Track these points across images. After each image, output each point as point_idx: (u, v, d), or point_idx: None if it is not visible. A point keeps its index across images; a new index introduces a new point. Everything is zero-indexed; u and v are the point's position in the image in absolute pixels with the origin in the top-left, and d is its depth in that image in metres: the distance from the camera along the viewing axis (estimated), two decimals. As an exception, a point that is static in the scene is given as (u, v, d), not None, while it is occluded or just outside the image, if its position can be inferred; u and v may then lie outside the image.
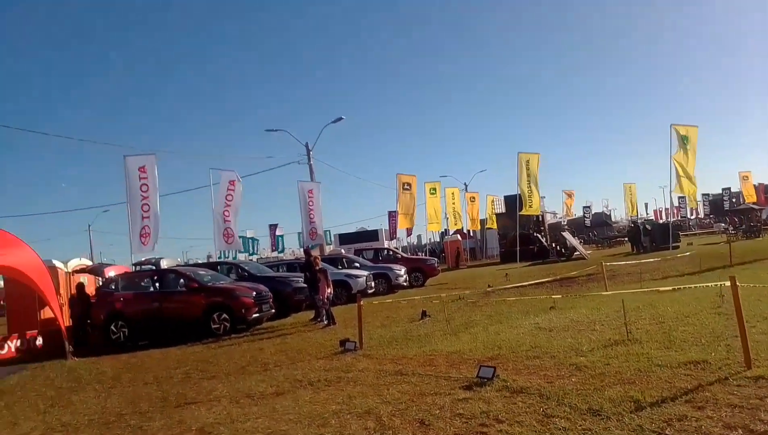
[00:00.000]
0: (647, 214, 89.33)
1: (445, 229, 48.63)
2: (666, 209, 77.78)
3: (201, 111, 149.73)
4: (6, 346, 13.13)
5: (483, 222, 47.29)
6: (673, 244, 29.82)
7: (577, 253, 33.04)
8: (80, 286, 15.12)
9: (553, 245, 36.73)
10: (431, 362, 7.52)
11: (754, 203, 48.02)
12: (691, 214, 65.57)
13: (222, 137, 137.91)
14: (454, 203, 42.00)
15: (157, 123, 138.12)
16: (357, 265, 21.74)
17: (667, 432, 4.18)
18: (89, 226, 54.07)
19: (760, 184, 57.05)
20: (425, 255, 40.39)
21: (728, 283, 5.88)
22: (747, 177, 47.84)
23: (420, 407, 5.41)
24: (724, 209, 56.94)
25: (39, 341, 13.45)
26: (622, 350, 6.96)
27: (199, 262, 35.59)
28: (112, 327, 14.09)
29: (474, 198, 45.25)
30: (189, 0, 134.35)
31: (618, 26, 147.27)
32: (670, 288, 11.34)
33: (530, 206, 27.63)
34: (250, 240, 55.50)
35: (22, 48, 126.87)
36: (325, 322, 13.14)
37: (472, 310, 12.92)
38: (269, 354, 9.83)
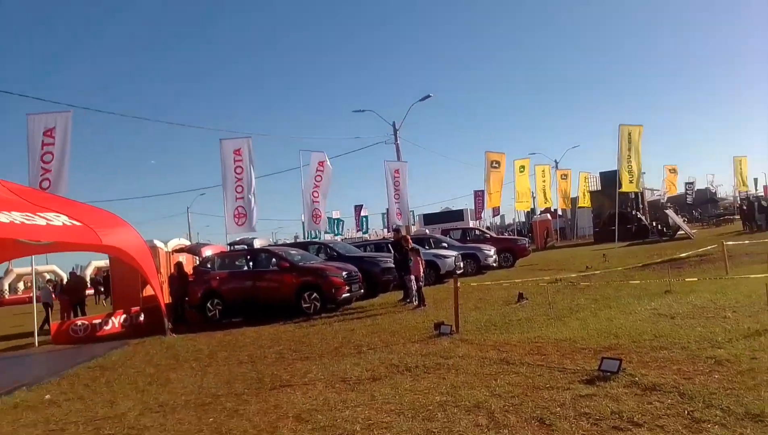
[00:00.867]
0: (756, 190, 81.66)
1: (532, 209, 46.80)
2: (778, 185, 70.50)
3: (292, 94, 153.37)
4: (111, 322, 13.83)
5: (574, 200, 45.03)
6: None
7: (681, 232, 30.59)
8: (179, 265, 15.65)
9: (654, 224, 34.31)
10: (539, 351, 6.84)
11: None
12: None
13: (312, 119, 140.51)
14: (544, 181, 40.18)
15: (250, 108, 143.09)
16: (444, 245, 21.15)
17: None
18: (188, 208, 56.94)
19: None
20: (513, 235, 39.05)
21: None
22: None
23: (536, 403, 4.80)
24: None
25: (141, 317, 14.09)
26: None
27: (288, 242, 36.41)
28: (208, 305, 14.47)
29: (566, 175, 43.11)
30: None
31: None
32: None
33: (630, 182, 25.73)
34: (336, 221, 56.21)
35: (120, 34, 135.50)
36: (415, 303, 12.74)
37: (573, 293, 12.00)
38: (361, 335, 9.54)
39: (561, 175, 42.87)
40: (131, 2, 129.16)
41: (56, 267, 49.49)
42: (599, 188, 39.57)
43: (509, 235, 39.98)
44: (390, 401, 5.36)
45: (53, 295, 19.97)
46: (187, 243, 21.67)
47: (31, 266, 14.70)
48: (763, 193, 75.65)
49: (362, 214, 58.21)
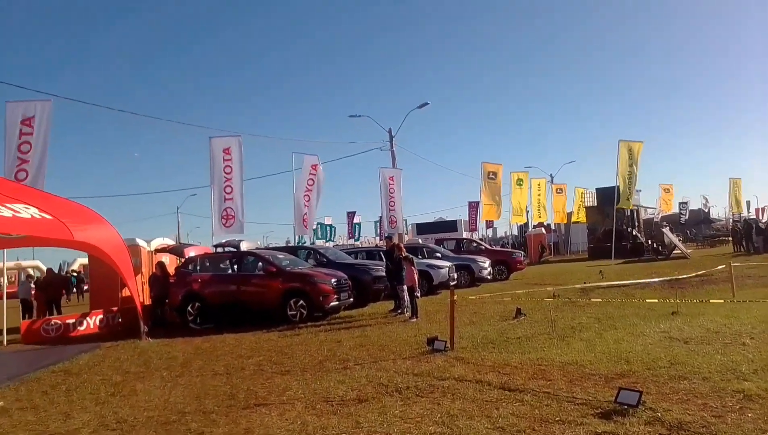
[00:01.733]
0: (748, 212, 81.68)
1: (525, 223, 46.30)
2: (770, 207, 70.57)
3: (286, 96, 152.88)
4: (86, 322, 13.08)
5: (569, 215, 44.59)
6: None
7: (677, 251, 30.14)
8: (161, 265, 14.91)
9: (650, 242, 33.87)
10: (544, 375, 6.20)
11: None
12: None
13: (305, 123, 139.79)
14: (539, 195, 39.71)
15: (241, 108, 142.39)
16: (438, 255, 20.51)
17: None
18: (177, 208, 56.09)
19: None
20: (508, 247, 38.47)
21: None
22: None
23: (546, 440, 4.18)
24: None
25: (119, 319, 13.35)
26: (800, 375, 5.41)
27: (278, 246, 35.62)
28: (189, 308, 13.74)
29: (562, 189, 42.68)
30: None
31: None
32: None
33: (628, 199, 25.27)
34: (327, 227, 55.52)
35: (109, 27, 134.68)
36: (407, 315, 12.10)
37: (573, 311, 11.39)
38: (348, 348, 8.87)
39: (556, 190, 42.45)
40: (131, 5, 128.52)
41: (40, 262, 48.34)
42: (595, 204, 39.18)
43: (503, 247, 39.43)
44: (377, 430, 4.70)
45: (32, 292, 19.07)
46: (172, 243, 20.87)
47: (2, 261, 13.90)
48: (754, 216, 75.89)
49: (355, 221, 57.54)
